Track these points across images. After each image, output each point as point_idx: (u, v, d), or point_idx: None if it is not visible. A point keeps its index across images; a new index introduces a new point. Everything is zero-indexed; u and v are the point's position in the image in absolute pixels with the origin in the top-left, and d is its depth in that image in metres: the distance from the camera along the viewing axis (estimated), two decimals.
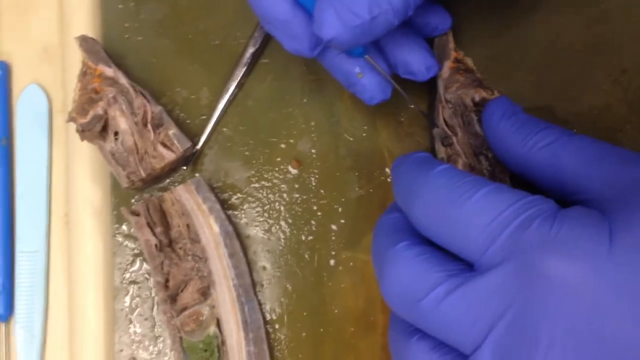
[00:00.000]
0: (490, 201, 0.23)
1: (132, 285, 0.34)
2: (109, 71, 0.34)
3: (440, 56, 0.34)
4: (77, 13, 0.37)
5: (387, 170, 0.35)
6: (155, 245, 0.32)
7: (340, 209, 0.35)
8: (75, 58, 0.35)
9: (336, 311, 0.34)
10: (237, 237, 0.33)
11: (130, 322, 0.34)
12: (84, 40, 0.34)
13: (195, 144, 0.35)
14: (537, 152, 0.27)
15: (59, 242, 0.36)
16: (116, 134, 0.33)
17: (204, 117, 0.36)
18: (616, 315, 0.20)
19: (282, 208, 0.35)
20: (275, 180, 0.35)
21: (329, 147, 0.35)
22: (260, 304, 0.33)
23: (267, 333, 0.33)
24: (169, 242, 0.33)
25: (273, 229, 0.35)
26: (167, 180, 0.35)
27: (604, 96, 0.35)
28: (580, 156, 0.26)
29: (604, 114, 0.35)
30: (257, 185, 0.35)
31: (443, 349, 0.23)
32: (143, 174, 0.33)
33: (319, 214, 0.35)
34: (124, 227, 0.35)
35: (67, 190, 0.36)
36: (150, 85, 0.35)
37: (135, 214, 0.33)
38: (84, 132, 0.33)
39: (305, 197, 0.35)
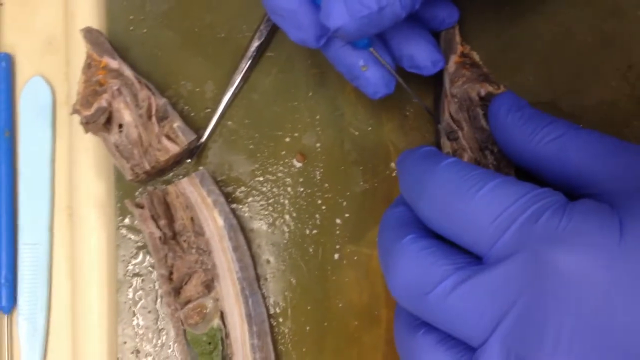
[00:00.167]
0: (499, 194, 0.22)
1: (136, 278, 0.34)
2: (114, 63, 0.34)
3: (446, 50, 0.34)
4: (81, 4, 0.36)
5: (392, 164, 0.35)
6: (159, 238, 0.32)
7: (344, 203, 0.34)
8: (80, 50, 0.35)
9: (340, 305, 0.34)
10: (241, 231, 0.33)
11: (134, 314, 0.34)
12: (88, 32, 0.34)
13: (199, 136, 0.35)
14: (544, 147, 0.27)
15: (62, 234, 0.36)
16: (120, 126, 0.33)
17: (209, 110, 0.36)
18: (627, 307, 0.20)
19: (286, 202, 0.35)
20: (279, 174, 0.35)
21: (334, 141, 0.35)
22: (264, 297, 0.33)
23: (271, 326, 0.33)
24: (173, 235, 0.33)
25: (277, 223, 0.35)
26: (172, 173, 0.35)
27: (611, 91, 0.35)
28: (588, 150, 0.26)
29: (610, 109, 0.34)
30: (261, 178, 0.35)
31: (449, 342, 0.23)
32: (147, 167, 0.33)
33: (324, 207, 0.35)
34: (128, 220, 0.35)
35: (71, 182, 0.36)
36: (155, 78, 0.35)
37: (140, 206, 0.32)
38: (88, 124, 0.33)
39: (309, 190, 0.35)
